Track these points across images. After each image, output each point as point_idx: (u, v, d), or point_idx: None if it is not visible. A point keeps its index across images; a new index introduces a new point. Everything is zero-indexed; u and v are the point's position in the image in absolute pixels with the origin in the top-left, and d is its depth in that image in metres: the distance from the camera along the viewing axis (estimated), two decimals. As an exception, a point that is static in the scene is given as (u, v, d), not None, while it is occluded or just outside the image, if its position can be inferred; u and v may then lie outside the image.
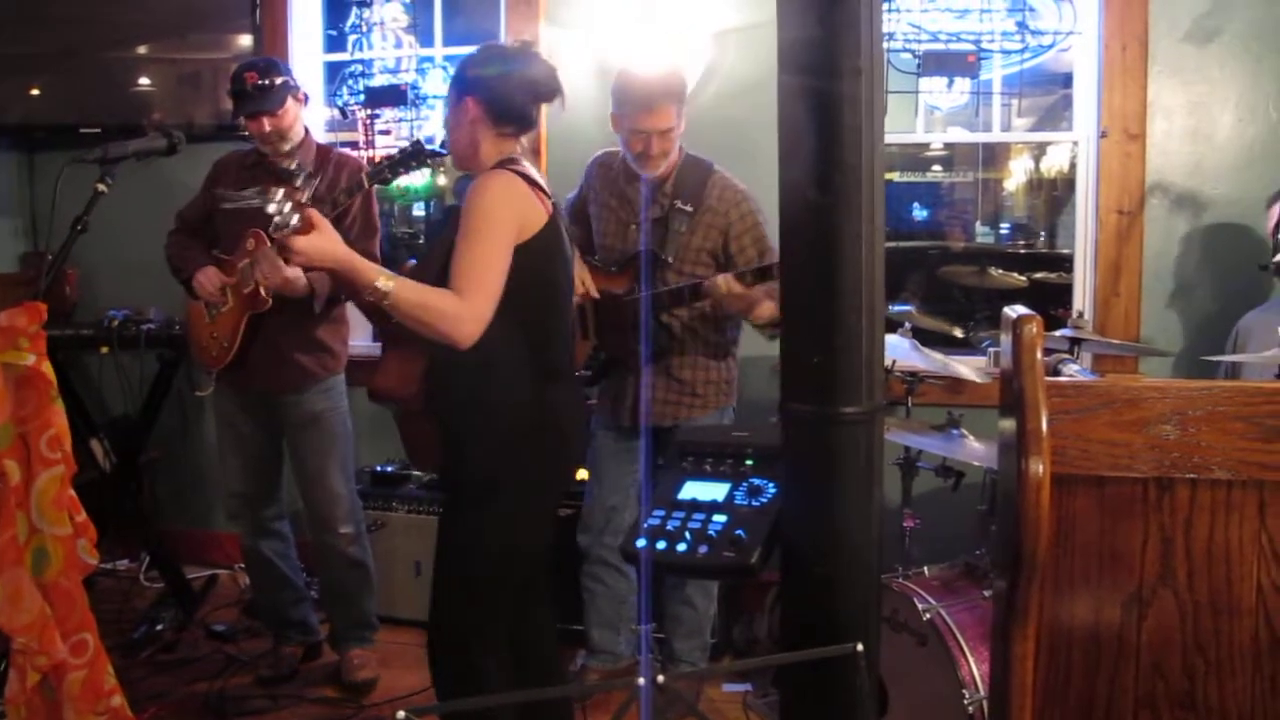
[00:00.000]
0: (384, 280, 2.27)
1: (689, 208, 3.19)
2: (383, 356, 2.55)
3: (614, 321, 3.30)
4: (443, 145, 2.91)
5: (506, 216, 2.34)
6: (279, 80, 3.35)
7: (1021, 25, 3.79)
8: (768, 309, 3.08)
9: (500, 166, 2.43)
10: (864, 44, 1.54)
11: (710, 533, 1.73)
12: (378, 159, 4.17)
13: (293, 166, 2.41)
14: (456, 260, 2.31)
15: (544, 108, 2.58)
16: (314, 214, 2.35)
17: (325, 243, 2.34)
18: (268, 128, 3.33)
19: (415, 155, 2.99)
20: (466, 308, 2.27)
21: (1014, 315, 1.54)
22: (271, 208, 2.33)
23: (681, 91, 3.17)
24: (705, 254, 3.22)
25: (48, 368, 2.42)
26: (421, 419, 2.52)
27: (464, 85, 2.48)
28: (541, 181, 2.47)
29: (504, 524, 2.44)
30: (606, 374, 3.39)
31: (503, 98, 2.44)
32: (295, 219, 2.30)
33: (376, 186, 3.21)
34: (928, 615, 2.75)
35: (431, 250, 2.60)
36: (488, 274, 2.30)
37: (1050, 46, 3.90)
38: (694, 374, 3.31)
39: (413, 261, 2.82)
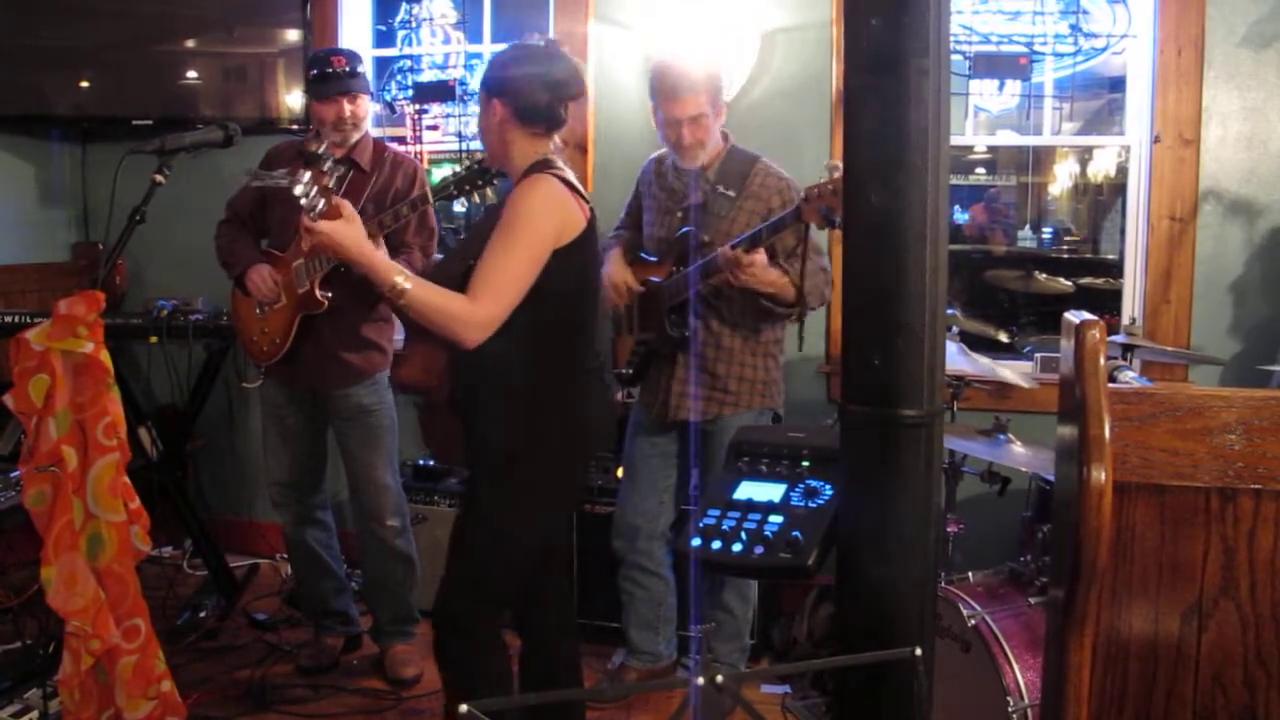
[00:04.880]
0: (402, 279, 2.33)
1: (731, 192, 3.22)
2: (409, 348, 2.58)
3: (653, 309, 3.32)
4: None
5: (546, 224, 2.39)
6: (361, 69, 3.43)
7: (1075, 28, 3.75)
8: (771, 276, 3.06)
9: (539, 169, 2.46)
10: (931, 44, 1.53)
11: (766, 533, 1.73)
12: (426, 157, 4.22)
13: (320, 150, 2.45)
14: (483, 262, 2.35)
15: (573, 105, 2.57)
16: (342, 203, 2.38)
17: (349, 231, 2.40)
18: (347, 111, 3.36)
19: (480, 175, 3.01)
20: (475, 314, 2.32)
21: (1076, 320, 1.53)
22: (299, 189, 2.37)
23: (709, 81, 3.17)
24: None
25: (105, 356, 2.46)
26: (443, 412, 2.56)
27: (490, 86, 2.51)
28: (579, 186, 2.50)
29: (522, 505, 2.46)
30: (647, 369, 3.39)
31: (528, 99, 2.47)
32: (321, 203, 2.35)
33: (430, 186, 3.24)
34: (972, 621, 2.72)
35: (461, 246, 2.62)
36: (508, 283, 2.35)
37: (1104, 50, 3.86)
38: (728, 369, 3.29)
39: (438, 257, 2.84)
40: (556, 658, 2.71)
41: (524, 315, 2.37)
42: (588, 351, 2.57)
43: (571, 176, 2.50)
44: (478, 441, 2.54)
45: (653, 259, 3.38)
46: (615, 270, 3.39)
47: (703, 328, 3.27)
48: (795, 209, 2.93)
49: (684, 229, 3.25)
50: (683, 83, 3.12)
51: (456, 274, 2.40)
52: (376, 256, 2.41)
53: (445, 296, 2.34)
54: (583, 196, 2.49)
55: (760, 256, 3.02)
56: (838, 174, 2.75)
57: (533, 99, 2.47)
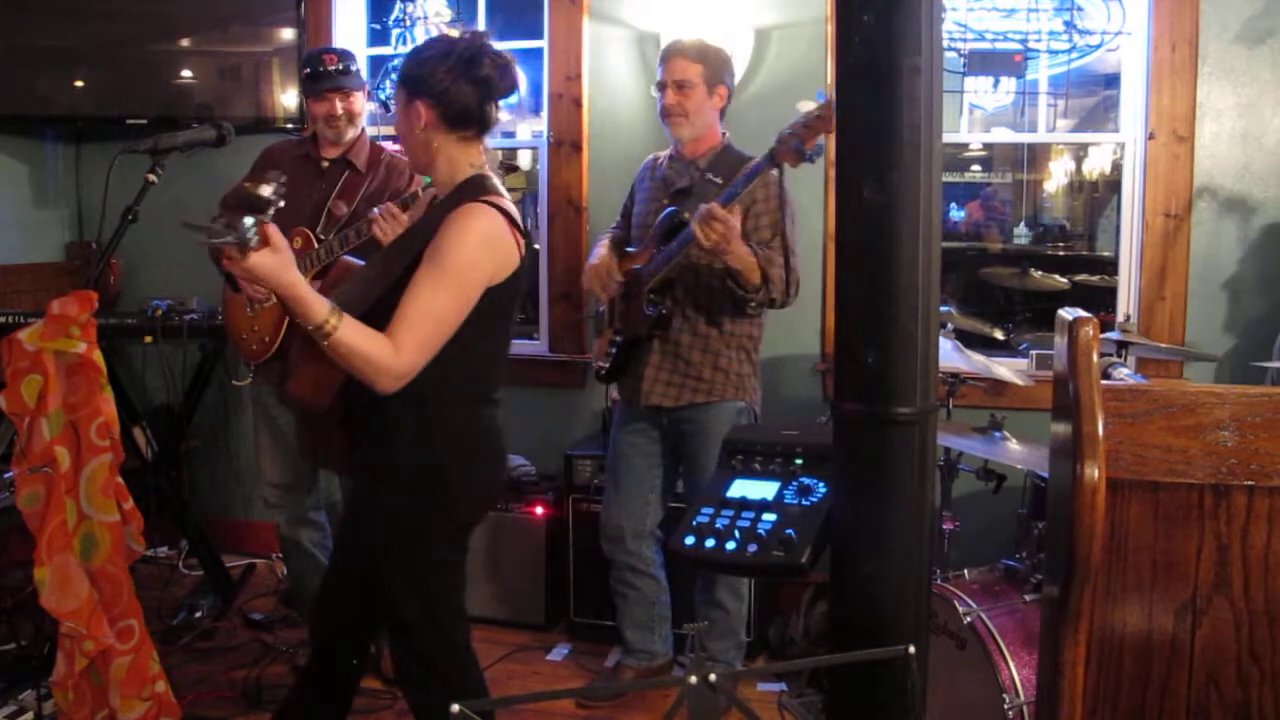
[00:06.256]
0: (335, 320, 2.08)
1: (719, 180, 3.21)
2: (298, 361, 2.35)
3: (634, 295, 3.32)
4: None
5: (482, 267, 2.21)
6: (354, 67, 3.42)
7: (1069, 25, 3.75)
8: (742, 249, 3.03)
9: (476, 193, 2.26)
10: (924, 42, 1.53)
11: (760, 531, 1.72)
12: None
13: (269, 193, 2.17)
14: (411, 300, 2.15)
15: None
16: (271, 231, 2.10)
17: (270, 261, 2.07)
18: (340, 109, 3.35)
19: None
20: (397, 364, 2.13)
21: (1070, 317, 1.53)
22: (245, 236, 2.11)
23: (706, 54, 3.26)
24: None
25: (98, 356, 2.45)
26: (331, 424, 2.37)
27: (411, 86, 2.28)
28: (517, 216, 2.30)
29: (430, 543, 2.32)
30: (625, 365, 3.38)
31: (456, 99, 2.25)
32: (255, 238, 2.12)
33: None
34: (968, 619, 2.73)
35: (378, 266, 2.41)
36: (434, 330, 2.17)
37: (1098, 46, 3.85)
38: (702, 357, 3.28)
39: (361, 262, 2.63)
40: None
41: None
42: (494, 382, 2.41)
43: (509, 202, 2.30)
44: (375, 467, 2.35)
45: (635, 248, 3.39)
46: (601, 258, 3.40)
47: (679, 314, 3.27)
48: (770, 152, 2.93)
49: (667, 210, 3.25)
50: (680, 48, 3.26)
51: (365, 299, 2.21)
52: (302, 288, 2.09)
53: (371, 341, 2.11)
54: (520, 230, 2.30)
55: (735, 220, 2.98)
56: (807, 108, 2.83)
57: (462, 99, 2.25)
